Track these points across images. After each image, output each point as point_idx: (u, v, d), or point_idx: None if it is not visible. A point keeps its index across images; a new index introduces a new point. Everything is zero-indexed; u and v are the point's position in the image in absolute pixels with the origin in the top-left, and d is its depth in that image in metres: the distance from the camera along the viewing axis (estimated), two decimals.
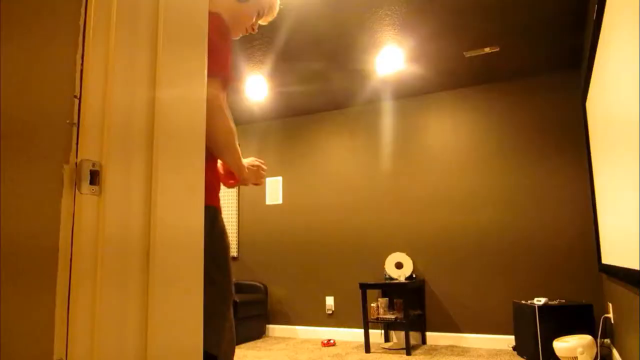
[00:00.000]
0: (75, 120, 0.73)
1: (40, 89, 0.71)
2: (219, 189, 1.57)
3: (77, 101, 0.74)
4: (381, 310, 4.32)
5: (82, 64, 0.75)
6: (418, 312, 4.39)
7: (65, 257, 0.70)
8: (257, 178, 1.60)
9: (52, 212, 0.69)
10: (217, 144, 1.42)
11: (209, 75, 1.30)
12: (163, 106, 0.85)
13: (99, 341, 0.70)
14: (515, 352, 3.91)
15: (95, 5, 0.76)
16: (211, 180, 1.53)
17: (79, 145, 0.73)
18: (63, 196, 0.70)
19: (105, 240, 0.73)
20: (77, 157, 0.72)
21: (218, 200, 1.53)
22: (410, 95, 4.77)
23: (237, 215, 5.51)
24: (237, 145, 1.48)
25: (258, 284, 5.14)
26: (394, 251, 4.66)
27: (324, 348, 4.36)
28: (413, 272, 4.54)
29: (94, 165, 0.73)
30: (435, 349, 4.16)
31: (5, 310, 0.63)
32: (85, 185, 0.72)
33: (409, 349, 3.95)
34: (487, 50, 3.76)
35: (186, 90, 0.90)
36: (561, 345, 3.23)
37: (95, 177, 0.74)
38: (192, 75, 0.92)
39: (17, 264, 0.65)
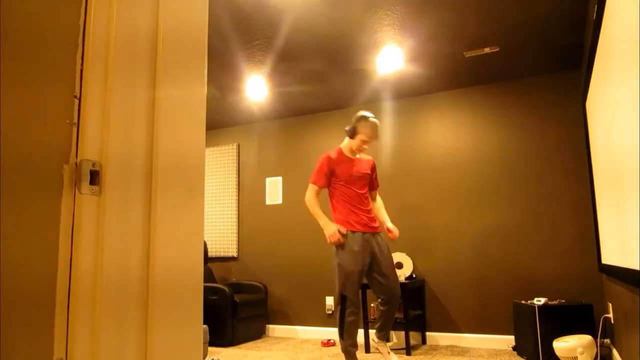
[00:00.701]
0: (75, 120, 0.73)
1: (41, 89, 0.71)
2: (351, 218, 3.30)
3: (77, 101, 0.74)
4: None
5: (82, 64, 0.75)
6: (418, 312, 4.39)
7: (65, 257, 0.70)
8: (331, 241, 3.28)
9: (52, 211, 0.69)
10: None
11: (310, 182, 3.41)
12: (163, 106, 0.85)
13: (100, 342, 0.70)
14: (515, 352, 3.92)
15: (96, 5, 0.76)
16: (342, 212, 3.38)
17: (79, 145, 0.73)
18: (63, 196, 0.71)
19: (105, 239, 0.73)
20: (77, 157, 0.73)
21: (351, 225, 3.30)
22: (410, 95, 4.77)
23: (237, 215, 5.51)
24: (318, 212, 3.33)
25: (258, 284, 5.14)
26: (394, 251, 4.66)
27: (324, 348, 4.36)
28: (413, 272, 4.54)
29: (94, 165, 0.73)
30: (435, 349, 4.16)
31: (5, 310, 0.63)
32: (85, 185, 0.72)
33: (409, 349, 3.95)
34: (487, 50, 3.76)
35: (186, 91, 0.90)
36: (561, 345, 3.23)
37: (95, 177, 0.74)
38: (192, 76, 0.92)
39: (17, 263, 0.65)
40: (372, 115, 3.36)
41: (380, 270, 3.28)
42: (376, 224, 3.40)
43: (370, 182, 3.54)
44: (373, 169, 3.56)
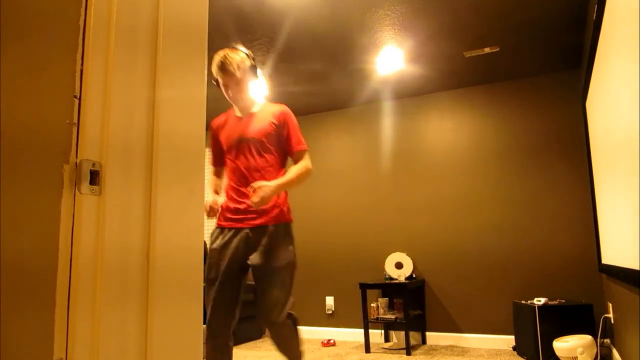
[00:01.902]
0: (75, 120, 0.73)
1: (41, 89, 0.71)
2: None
3: (77, 101, 0.74)
4: (381, 310, 4.32)
5: (82, 64, 0.75)
6: (418, 312, 4.39)
7: (65, 257, 0.70)
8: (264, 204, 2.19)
9: (52, 212, 0.69)
10: (298, 184, 2.26)
11: (303, 149, 2.32)
12: (163, 106, 0.85)
13: (100, 341, 0.70)
14: (515, 352, 3.91)
15: (95, 5, 0.76)
16: (286, 198, 2.27)
17: (79, 145, 0.73)
18: (63, 196, 0.70)
19: (105, 240, 0.73)
20: (77, 157, 0.72)
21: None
22: (410, 95, 4.77)
23: None
24: None
25: None
26: (394, 251, 4.66)
27: (324, 348, 4.36)
28: (413, 272, 4.54)
29: (94, 165, 0.73)
30: (435, 349, 4.16)
31: (5, 311, 0.63)
32: (85, 185, 0.72)
33: (409, 349, 3.95)
34: (487, 50, 3.76)
35: (186, 90, 0.90)
36: (561, 345, 3.23)
37: (95, 177, 0.74)
38: (192, 75, 0.92)
39: (17, 264, 0.65)
40: (229, 46, 2.33)
41: (256, 284, 2.19)
42: (255, 217, 2.20)
43: (278, 143, 2.29)
44: (278, 123, 2.28)
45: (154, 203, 0.81)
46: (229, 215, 2.26)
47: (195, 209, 0.89)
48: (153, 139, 0.82)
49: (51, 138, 0.71)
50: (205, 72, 0.95)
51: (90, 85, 0.75)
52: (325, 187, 5.08)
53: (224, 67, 2.20)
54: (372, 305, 4.39)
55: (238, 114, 2.36)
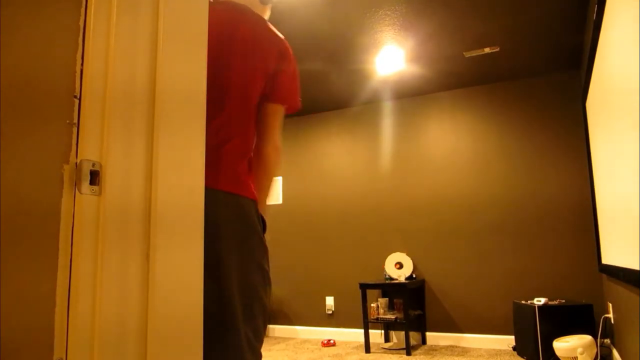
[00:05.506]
0: (75, 120, 0.73)
1: (40, 89, 0.71)
2: None
3: (77, 101, 0.74)
4: (381, 310, 4.32)
5: (82, 64, 0.75)
6: (418, 312, 4.39)
7: (65, 258, 0.70)
8: None
9: (52, 212, 0.69)
10: (271, 183, 1.35)
11: (277, 102, 1.28)
12: (163, 106, 0.85)
13: (99, 341, 0.70)
14: (515, 352, 3.91)
15: (95, 6, 0.76)
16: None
17: (79, 145, 0.73)
18: (63, 196, 0.70)
19: (105, 240, 0.73)
20: (77, 157, 0.72)
21: None
22: (410, 95, 4.77)
23: None
24: None
25: None
26: (394, 251, 4.66)
27: (324, 348, 4.36)
28: (413, 272, 4.54)
29: (94, 165, 0.73)
30: (435, 349, 4.16)
31: (5, 311, 0.63)
32: (85, 185, 0.72)
33: (409, 349, 3.95)
34: (487, 50, 3.76)
35: (187, 88, 0.90)
36: (561, 345, 3.23)
37: (95, 177, 0.74)
38: (193, 72, 0.92)
39: (17, 265, 0.65)
40: None
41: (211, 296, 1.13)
42: (217, 173, 1.22)
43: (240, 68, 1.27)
44: (246, 36, 1.29)
45: (154, 203, 0.81)
46: None
47: (196, 208, 0.89)
48: (153, 138, 0.82)
49: (51, 138, 0.71)
50: (205, 70, 0.94)
51: (91, 84, 0.75)
52: (325, 187, 5.08)
53: None
54: (372, 305, 4.39)
55: None
